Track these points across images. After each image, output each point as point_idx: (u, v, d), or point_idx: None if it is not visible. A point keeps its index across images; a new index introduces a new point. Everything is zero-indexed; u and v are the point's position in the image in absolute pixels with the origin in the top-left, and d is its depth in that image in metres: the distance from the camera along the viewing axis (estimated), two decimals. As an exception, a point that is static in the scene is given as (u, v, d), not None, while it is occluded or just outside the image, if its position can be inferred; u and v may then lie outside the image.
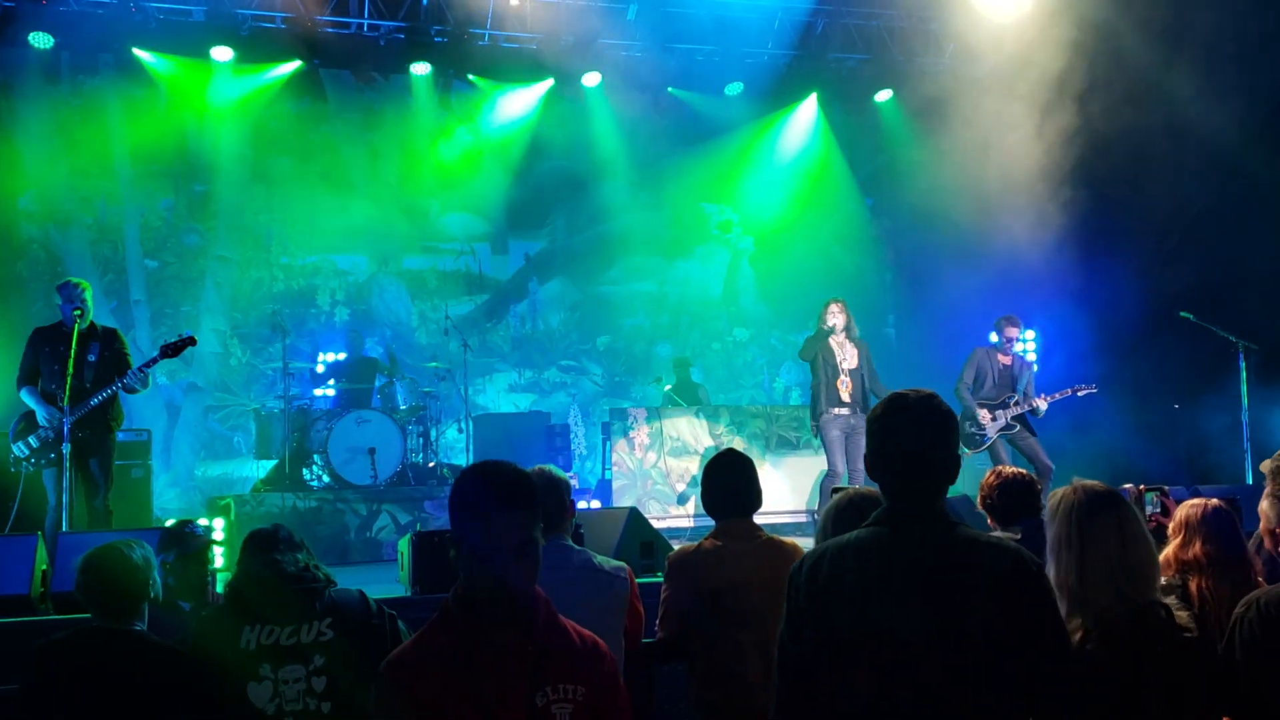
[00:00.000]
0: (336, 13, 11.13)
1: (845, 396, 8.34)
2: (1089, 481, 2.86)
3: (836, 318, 8.54)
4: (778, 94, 13.03)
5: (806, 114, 13.46)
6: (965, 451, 8.92)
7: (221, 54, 11.19)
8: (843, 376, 8.39)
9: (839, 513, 3.11)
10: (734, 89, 12.79)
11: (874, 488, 3.17)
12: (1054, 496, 2.87)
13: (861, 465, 7.90)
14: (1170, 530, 3.76)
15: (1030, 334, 11.84)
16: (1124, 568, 2.67)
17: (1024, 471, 4.62)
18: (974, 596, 2.29)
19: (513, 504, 2.30)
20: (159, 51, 11.20)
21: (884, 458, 2.48)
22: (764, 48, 12.33)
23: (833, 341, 8.51)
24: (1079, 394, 8.93)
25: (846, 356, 8.51)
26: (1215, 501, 3.71)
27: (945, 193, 11.93)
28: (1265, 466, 4.38)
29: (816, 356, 8.48)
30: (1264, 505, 4.03)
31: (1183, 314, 9.49)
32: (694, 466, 10.10)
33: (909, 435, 2.45)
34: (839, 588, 2.34)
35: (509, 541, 2.26)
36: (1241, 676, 2.84)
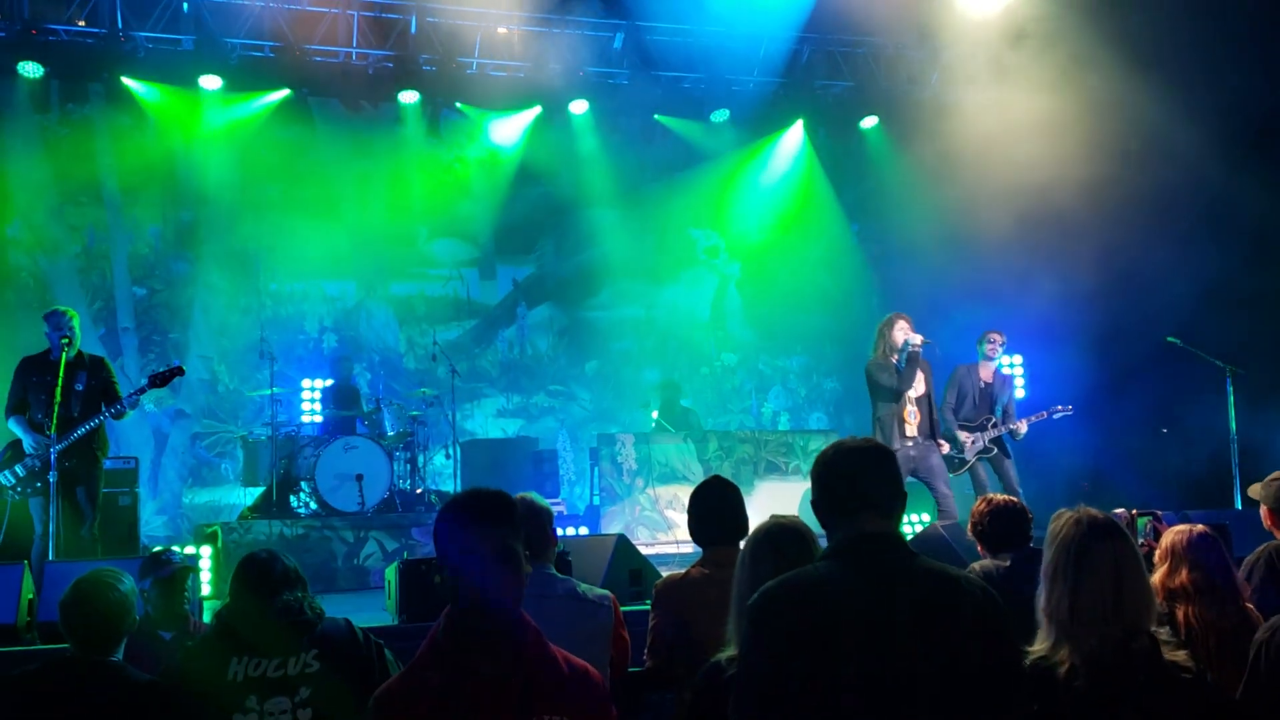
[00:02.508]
0: (325, 41, 11.18)
1: (912, 430, 7.78)
2: (1093, 510, 2.81)
3: (914, 334, 7.75)
4: (764, 120, 13.13)
5: (792, 140, 13.55)
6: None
7: (210, 82, 11.23)
8: (909, 406, 7.84)
9: (756, 543, 3.08)
10: (720, 116, 12.87)
11: (789, 516, 3.17)
12: (1056, 520, 2.82)
13: (948, 491, 7.80)
14: (1156, 558, 3.74)
15: (1017, 359, 11.87)
16: (1117, 605, 2.63)
17: (1015, 500, 4.62)
18: (966, 634, 2.27)
19: (488, 518, 2.34)
20: (148, 80, 11.24)
21: (840, 488, 2.47)
22: (750, 75, 12.43)
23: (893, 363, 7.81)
24: (1055, 415, 8.82)
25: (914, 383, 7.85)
26: (1201, 528, 3.70)
27: (931, 218, 12.02)
28: (1255, 491, 4.40)
29: (882, 384, 7.70)
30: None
31: (1169, 339, 9.53)
32: (683, 492, 10.07)
33: (860, 467, 2.47)
34: (832, 627, 2.26)
35: (487, 550, 2.29)
36: (1266, 701, 2.81)
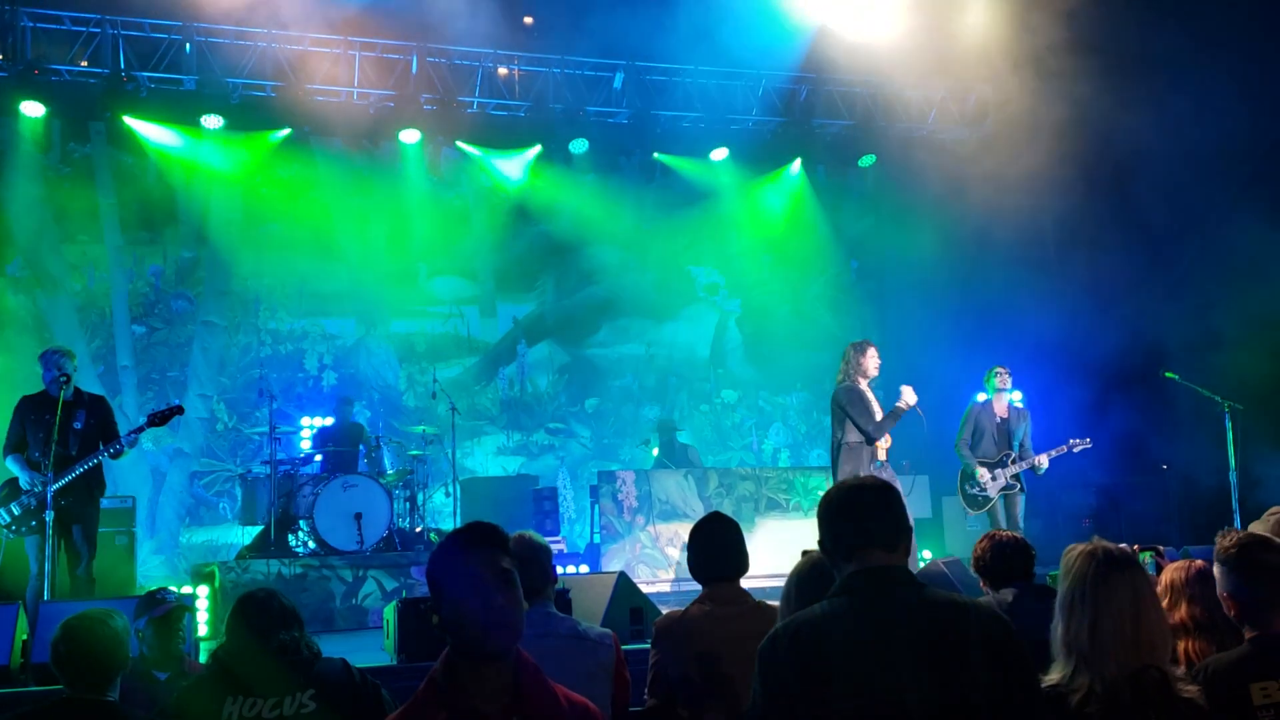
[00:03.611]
0: (326, 81, 11.28)
1: (881, 455, 7.66)
2: (1107, 543, 2.80)
3: (910, 395, 7.57)
4: (763, 159, 13.24)
5: (791, 178, 13.64)
6: (968, 511, 8.84)
7: (212, 122, 11.32)
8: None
9: (800, 579, 3.06)
10: (719, 154, 12.96)
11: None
12: (1070, 553, 2.81)
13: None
14: (1157, 592, 3.73)
15: (1017, 395, 11.86)
16: (1136, 634, 2.62)
17: (1018, 535, 4.61)
18: (974, 662, 2.26)
19: (484, 543, 2.34)
20: (150, 119, 11.33)
21: (844, 527, 2.48)
22: (749, 114, 12.54)
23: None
24: (1075, 449, 8.82)
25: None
26: (1200, 563, 3.69)
27: (929, 255, 12.07)
28: (1256, 528, 4.37)
29: (859, 424, 7.57)
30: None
31: (1167, 374, 9.53)
32: (683, 529, 10.03)
33: (862, 504, 2.50)
34: (833, 663, 2.26)
35: (487, 575, 2.28)
36: None
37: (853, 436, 7.52)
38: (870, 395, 7.61)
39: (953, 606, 2.36)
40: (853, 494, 2.55)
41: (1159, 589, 3.67)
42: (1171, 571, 3.68)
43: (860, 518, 2.48)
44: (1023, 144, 10.91)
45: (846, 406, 7.53)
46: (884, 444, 7.58)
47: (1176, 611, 3.55)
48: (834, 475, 7.64)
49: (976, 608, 2.37)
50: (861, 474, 7.26)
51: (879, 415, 7.60)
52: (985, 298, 11.51)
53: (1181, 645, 3.48)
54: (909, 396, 7.50)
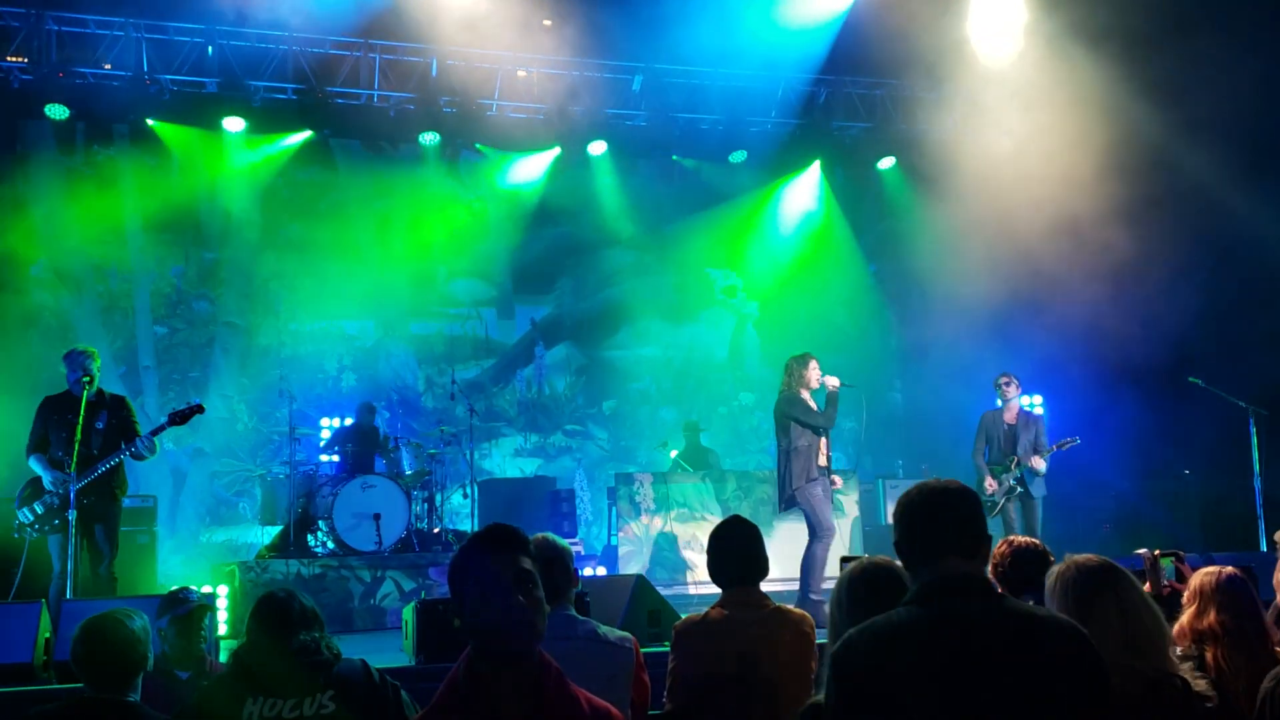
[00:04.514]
0: (347, 84, 11.33)
1: (823, 460, 7.95)
2: (1081, 556, 2.82)
3: (830, 378, 8.06)
4: (782, 161, 13.21)
5: (810, 180, 13.61)
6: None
7: (234, 124, 11.38)
8: (825, 438, 8.14)
9: (852, 585, 3.04)
10: (738, 156, 12.95)
11: (882, 556, 3.14)
12: (1050, 575, 2.84)
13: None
14: (1185, 599, 3.69)
15: (1037, 399, 11.81)
16: (1127, 640, 2.62)
17: (1036, 542, 4.56)
18: (1053, 680, 2.20)
19: (505, 546, 2.34)
20: (172, 122, 11.40)
21: (924, 530, 2.42)
22: (768, 116, 12.51)
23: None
24: (1063, 448, 8.87)
25: None
26: (1230, 570, 3.65)
27: (949, 258, 12.01)
28: (1280, 536, 4.34)
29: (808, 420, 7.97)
30: (1279, 577, 3.97)
31: (1191, 379, 9.46)
32: (701, 532, 10.02)
33: (944, 508, 2.43)
34: (910, 674, 2.20)
35: (508, 577, 2.28)
36: None
37: (801, 441, 7.85)
38: (811, 402, 7.96)
39: (1032, 620, 2.29)
40: (934, 496, 2.44)
41: (1187, 594, 3.64)
42: (1200, 577, 3.64)
43: (940, 522, 2.39)
44: (1043, 145, 10.85)
45: (791, 412, 7.92)
46: (825, 449, 7.94)
47: (1205, 618, 3.52)
48: (785, 480, 7.90)
49: (1056, 622, 2.31)
50: (813, 474, 7.68)
51: None
52: (1005, 301, 11.44)
53: (1210, 652, 3.44)
54: (832, 381, 7.96)
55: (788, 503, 7.88)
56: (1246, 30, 9.69)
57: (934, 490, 2.46)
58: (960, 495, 2.45)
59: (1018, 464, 8.75)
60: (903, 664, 2.21)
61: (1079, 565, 2.77)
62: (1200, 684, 2.67)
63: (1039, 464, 8.72)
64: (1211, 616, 3.51)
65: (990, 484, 8.77)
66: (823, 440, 7.92)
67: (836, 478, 8.29)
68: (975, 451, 9.01)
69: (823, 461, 7.88)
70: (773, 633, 3.64)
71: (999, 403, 9.11)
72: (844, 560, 3.31)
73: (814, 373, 8.01)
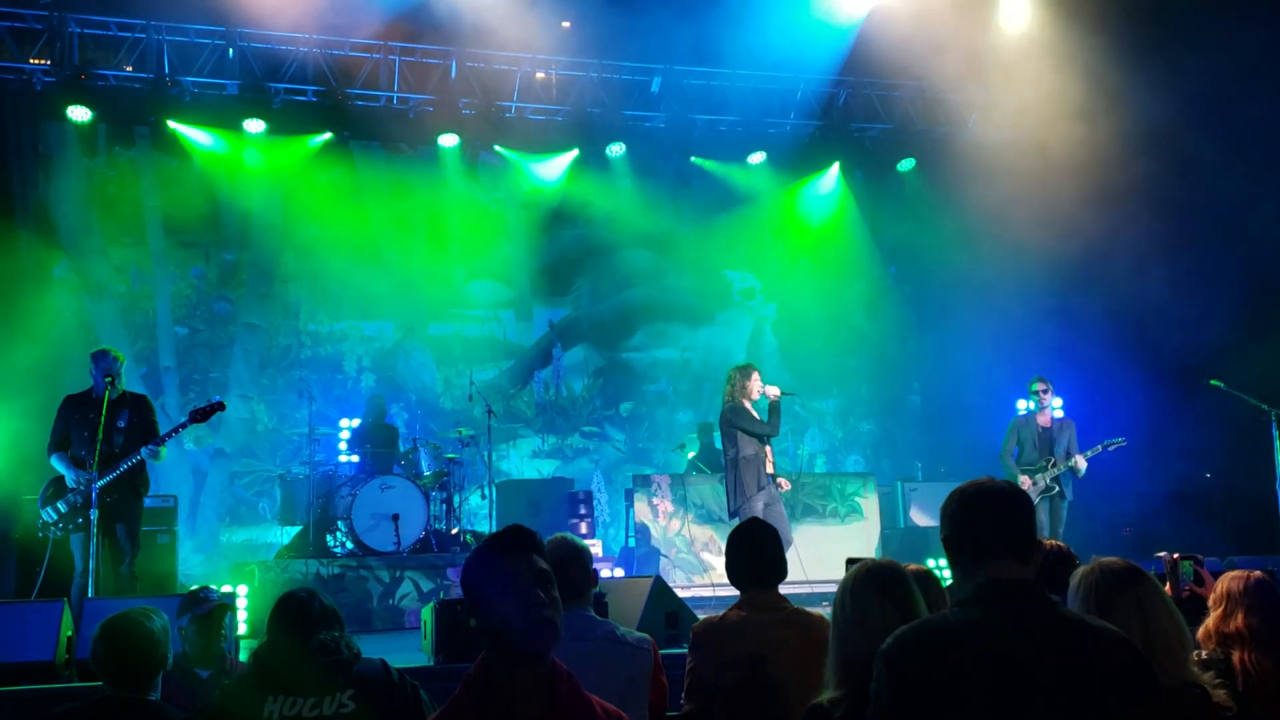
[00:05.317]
0: (367, 85, 11.38)
1: (770, 469, 8.17)
2: (1107, 559, 2.81)
3: (771, 388, 8.24)
4: (800, 163, 13.17)
5: (829, 182, 13.58)
6: None
7: (254, 126, 11.45)
8: (769, 447, 8.35)
9: (857, 586, 3.03)
10: (757, 158, 12.92)
11: (884, 559, 3.14)
12: (1074, 576, 2.83)
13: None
14: (1211, 602, 3.67)
15: (1058, 401, 11.76)
16: (1145, 642, 2.60)
17: (1062, 544, 4.55)
18: (1106, 691, 2.18)
19: (519, 547, 2.35)
20: (193, 124, 11.48)
21: (979, 530, 2.37)
22: (786, 118, 12.50)
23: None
24: (1109, 448, 8.97)
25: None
26: (1258, 573, 3.64)
27: (968, 260, 11.96)
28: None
29: (752, 429, 8.11)
30: None
31: (1213, 381, 9.40)
32: (719, 534, 10.01)
33: (1001, 509, 2.38)
34: (964, 677, 2.17)
35: (524, 574, 2.29)
36: None
37: (747, 450, 8.02)
38: (754, 412, 8.16)
39: (1085, 628, 2.27)
40: (988, 496, 2.38)
41: (1213, 597, 3.63)
42: (1228, 580, 3.62)
43: (997, 523, 2.35)
44: (1064, 147, 10.80)
45: (736, 421, 8.11)
46: (771, 459, 8.14)
47: (1232, 620, 3.51)
48: (735, 490, 8.05)
49: (1110, 633, 2.28)
50: (762, 483, 7.85)
51: None
52: (1025, 303, 11.39)
53: (1237, 655, 3.43)
54: (773, 390, 8.17)
55: (734, 515, 8.05)
56: None
57: (994, 490, 2.40)
58: (1018, 498, 2.40)
59: (1054, 465, 8.83)
60: (955, 664, 2.19)
61: (1104, 566, 2.76)
62: (1219, 693, 2.64)
63: (1081, 464, 8.82)
64: (1239, 619, 3.49)
65: (1025, 482, 8.80)
66: (768, 448, 8.16)
67: (784, 481, 8.47)
68: (1004, 453, 9.09)
69: (770, 469, 8.14)
70: (791, 635, 3.63)
71: (1033, 406, 9.17)
72: (849, 561, 3.28)
73: (755, 384, 8.20)
